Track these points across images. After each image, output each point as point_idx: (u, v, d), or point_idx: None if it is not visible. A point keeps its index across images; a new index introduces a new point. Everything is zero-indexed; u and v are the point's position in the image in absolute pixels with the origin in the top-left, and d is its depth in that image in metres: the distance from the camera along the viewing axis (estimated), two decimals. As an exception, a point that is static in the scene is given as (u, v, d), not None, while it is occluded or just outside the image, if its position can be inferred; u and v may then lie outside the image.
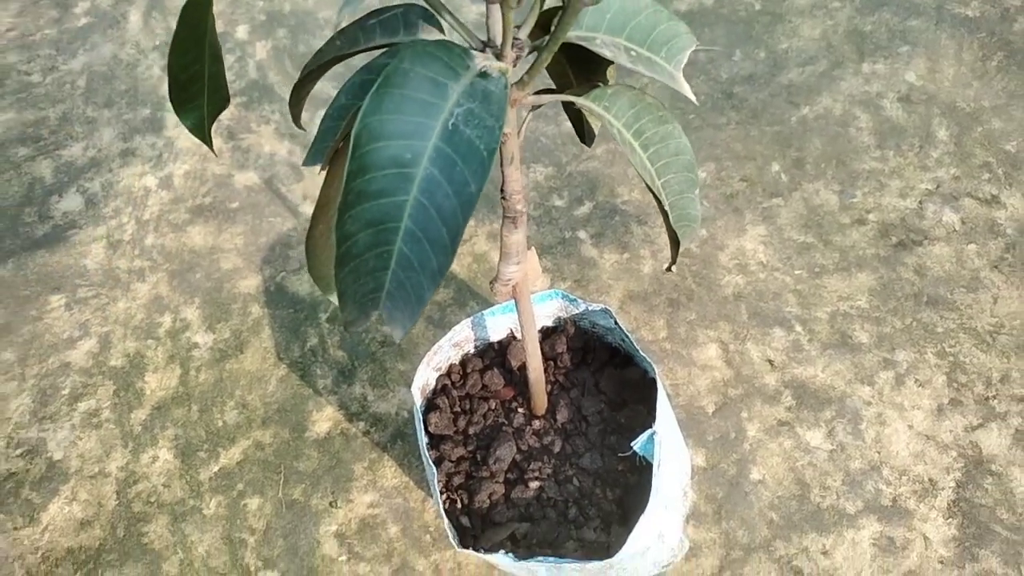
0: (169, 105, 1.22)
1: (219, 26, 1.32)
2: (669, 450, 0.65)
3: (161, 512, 0.86)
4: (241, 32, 1.30)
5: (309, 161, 0.45)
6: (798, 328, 0.94)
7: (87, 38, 1.33)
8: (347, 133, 0.43)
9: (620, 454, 0.67)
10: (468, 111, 0.40)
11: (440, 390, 0.72)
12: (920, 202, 1.04)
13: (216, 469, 0.88)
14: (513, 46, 0.44)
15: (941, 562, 0.78)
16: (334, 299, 0.46)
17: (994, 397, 0.88)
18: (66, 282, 1.04)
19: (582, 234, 1.03)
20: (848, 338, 0.93)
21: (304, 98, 0.52)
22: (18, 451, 0.91)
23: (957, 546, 0.79)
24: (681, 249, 0.55)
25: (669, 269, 0.56)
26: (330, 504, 0.84)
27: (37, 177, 1.16)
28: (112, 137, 1.19)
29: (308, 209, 1.09)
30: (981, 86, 1.15)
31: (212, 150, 0.52)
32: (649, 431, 0.62)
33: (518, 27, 0.44)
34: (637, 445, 0.62)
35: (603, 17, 0.46)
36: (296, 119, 0.53)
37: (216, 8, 1.34)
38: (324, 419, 0.91)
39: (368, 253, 0.41)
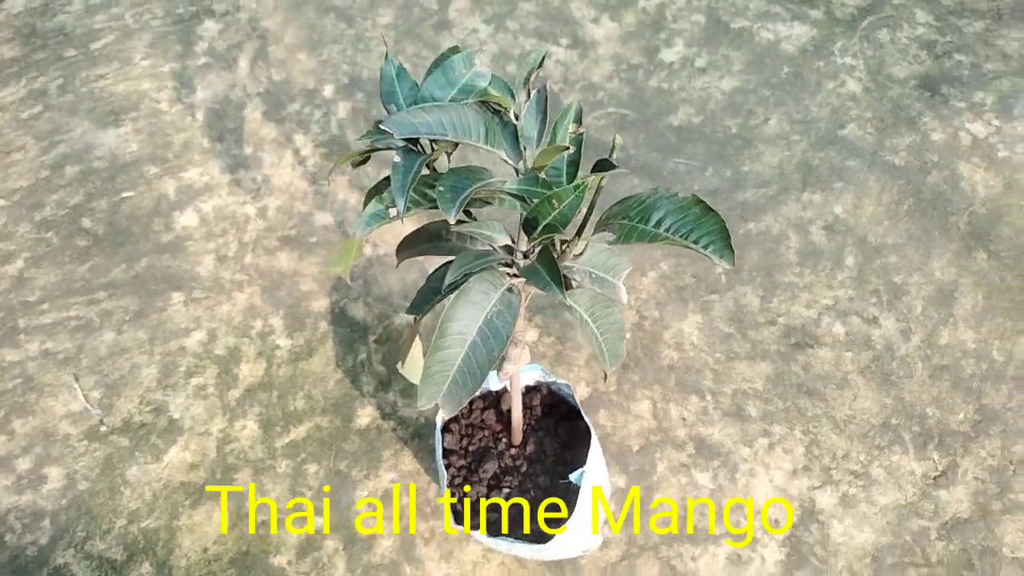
0: (268, 146, 1.57)
1: (310, 83, 1.66)
2: (595, 479, 1.03)
3: (247, 465, 1.24)
4: (328, 91, 1.65)
5: (413, 310, 0.81)
6: (708, 397, 1.31)
7: (204, 76, 1.68)
8: (434, 304, 0.79)
9: (562, 480, 1.05)
10: (498, 311, 0.77)
11: (453, 419, 1.10)
12: (819, 314, 1.40)
13: (287, 441, 1.26)
14: (525, 257, 0.80)
15: (770, 574, 1.17)
16: (418, 391, 0.81)
17: (834, 468, 1.25)
18: (184, 284, 1.41)
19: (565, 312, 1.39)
20: (742, 410, 1.30)
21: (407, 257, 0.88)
22: (148, 408, 1.29)
23: (782, 567, 1.17)
24: (610, 372, 0.92)
25: (605, 379, 0.93)
26: (364, 476, 1.22)
27: (163, 193, 1.52)
28: (222, 167, 1.55)
29: (368, 250, 1.45)
30: (890, 225, 1.50)
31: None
32: (580, 469, 1.00)
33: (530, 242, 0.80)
34: (573, 477, 1.00)
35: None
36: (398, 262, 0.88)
37: (308, 65, 1.69)
38: (365, 415, 1.29)
39: (438, 375, 0.78)
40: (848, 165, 1.57)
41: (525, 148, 0.76)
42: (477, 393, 1.11)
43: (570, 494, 1.04)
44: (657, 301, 1.40)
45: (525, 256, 0.77)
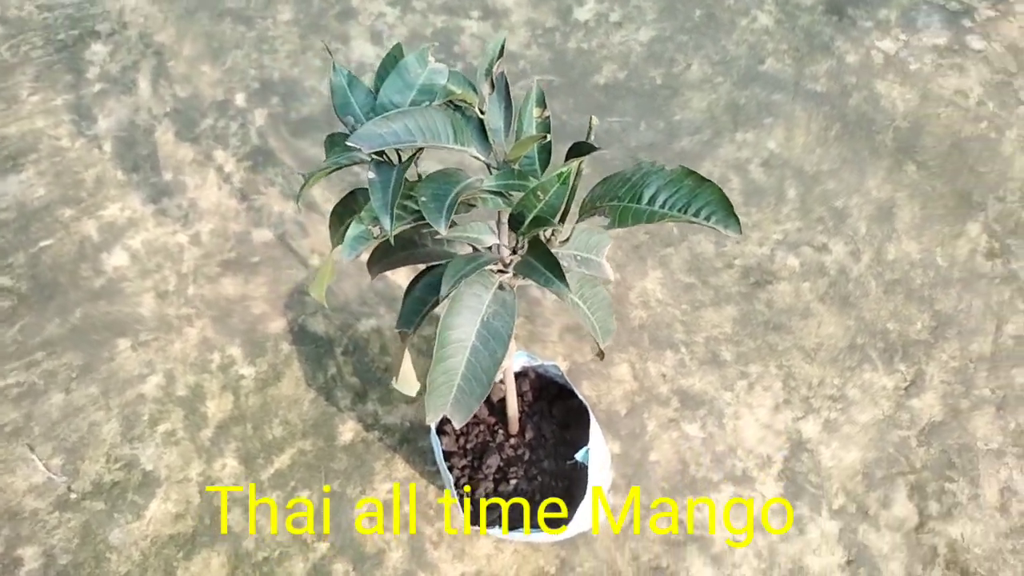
0: (188, 168, 1.49)
1: (219, 94, 1.57)
2: (597, 454, 1.03)
3: (235, 504, 1.19)
4: (240, 100, 1.57)
5: (402, 325, 0.78)
6: (683, 350, 1.33)
7: (103, 104, 1.57)
8: (423, 315, 0.77)
9: (568, 461, 1.04)
10: (494, 312, 0.75)
11: (445, 420, 1.08)
12: (772, 250, 1.43)
13: (272, 471, 1.22)
14: (513, 252, 0.78)
15: (771, 510, 1.20)
16: (425, 405, 0.78)
17: (813, 397, 1.29)
18: (128, 328, 1.33)
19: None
20: (717, 356, 1.32)
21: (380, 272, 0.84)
22: (117, 465, 1.22)
23: (782, 498, 1.21)
24: (604, 346, 0.91)
25: (602, 357, 0.92)
26: (360, 492, 1.19)
27: (85, 236, 1.42)
28: (143, 198, 1.46)
29: (316, 261, 1.40)
30: (822, 152, 1.53)
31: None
32: (585, 447, 1.00)
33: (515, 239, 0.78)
34: (579, 456, 1.00)
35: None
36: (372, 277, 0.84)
37: (213, 76, 1.60)
38: (348, 430, 1.25)
39: (443, 387, 0.76)
40: (774, 99, 1.59)
41: (494, 141, 0.74)
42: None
43: (576, 472, 1.04)
44: (616, 263, 1.41)
45: (513, 252, 0.75)
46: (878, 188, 1.49)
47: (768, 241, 1.43)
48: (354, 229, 0.68)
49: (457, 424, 0.77)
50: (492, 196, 0.70)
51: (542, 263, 0.68)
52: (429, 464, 1.22)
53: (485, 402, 1.10)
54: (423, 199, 0.65)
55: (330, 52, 0.75)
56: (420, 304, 0.77)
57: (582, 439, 1.07)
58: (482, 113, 0.72)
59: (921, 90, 1.59)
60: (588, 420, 1.06)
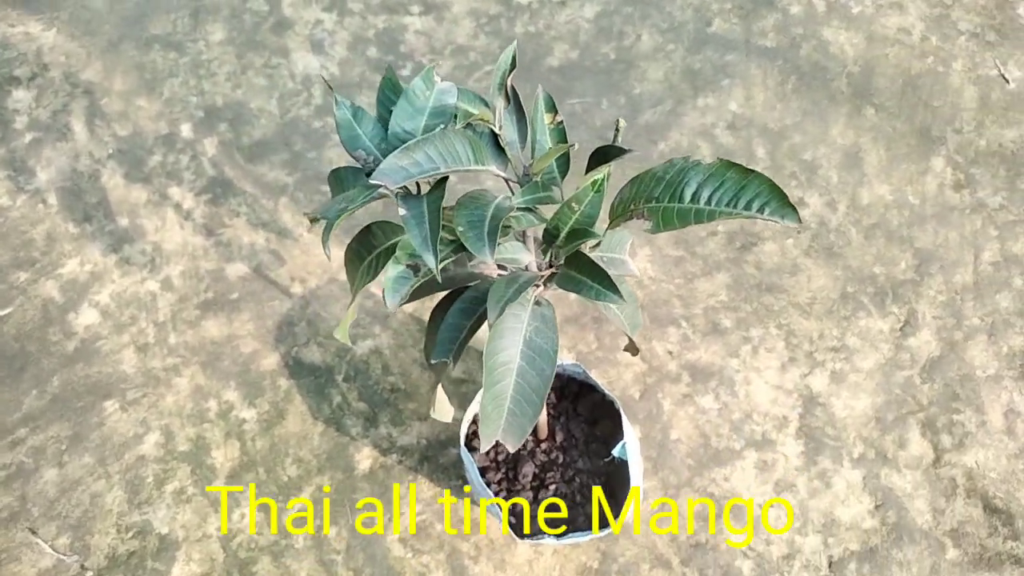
0: (144, 210, 1.41)
1: (162, 128, 1.49)
2: (632, 446, 1.02)
3: (263, 554, 1.15)
4: (185, 131, 1.49)
5: (439, 356, 0.75)
6: (684, 324, 1.33)
7: (39, 154, 1.47)
8: (462, 343, 0.74)
9: (604, 459, 1.03)
10: (536, 328, 0.73)
11: (474, 435, 1.05)
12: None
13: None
14: (549, 266, 0.76)
15: (796, 469, 1.22)
16: (480, 434, 0.76)
17: (816, 351, 1.31)
18: (113, 388, 1.26)
19: (521, 277, 1.36)
20: (718, 325, 1.33)
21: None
22: (130, 534, 1.16)
23: (803, 455, 1.23)
24: (634, 336, 0.90)
25: (636, 353, 0.91)
26: (388, 519, 1.17)
27: (47, 298, 1.33)
28: (103, 249, 1.38)
29: (298, 289, 1.35)
30: (783, 107, 1.55)
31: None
32: (621, 441, 0.99)
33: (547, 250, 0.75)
34: (616, 452, 0.99)
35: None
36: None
37: (152, 109, 1.51)
38: (365, 458, 1.22)
39: (494, 413, 0.73)
40: (727, 60, 1.60)
41: (511, 156, 0.71)
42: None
43: (613, 467, 1.04)
44: (603, 247, 1.39)
45: (549, 266, 0.72)
46: (842, 135, 1.51)
47: (747, 203, 1.44)
48: (393, 270, 0.65)
49: (511, 448, 0.75)
50: (524, 214, 0.67)
51: (588, 275, 0.66)
52: (454, 479, 1.20)
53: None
54: (460, 229, 0.62)
55: (330, 86, 0.71)
56: (455, 332, 0.75)
57: (612, 432, 1.06)
58: (499, 128, 0.69)
59: (866, 32, 1.62)
60: (615, 413, 1.05)
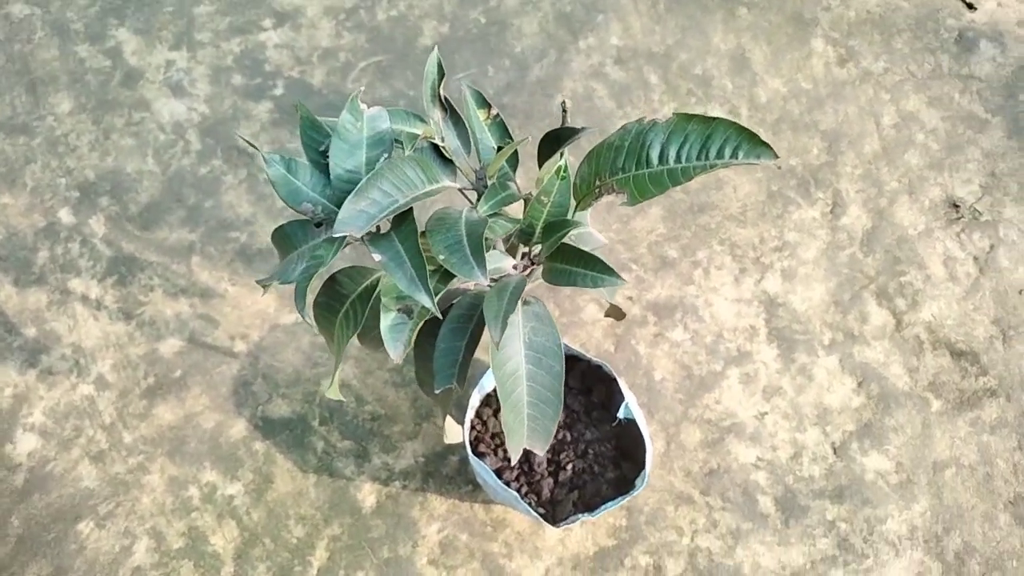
0: (49, 313, 1.30)
1: (38, 221, 1.37)
2: (632, 402, 1.02)
3: (297, 623, 1.11)
4: (65, 216, 1.37)
5: (443, 383, 0.72)
6: (634, 266, 1.33)
7: (-91, 286, 1.32)
8: (464, 364, 0.71)
9: (612, 424, 1.03)
10: (533, 328, 0.71)
11: (478, 440, 1.03)
12: (663, 138, 1.44)
13: (315, 572, 1.13)
14: (534, 263, 0.73)
15: (777, 372, 1.26)
16: (508, 448, 0.73)
17: (761, 256, 1.34)
18: (81, 509, 1.17)
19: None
20: (666, 258, 1.34)
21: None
22: (152, 650, 1.09)
23: (780, 357, 1.27)
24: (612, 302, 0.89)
25: (621, 317, 0.90)
26: (413, 546, 1.14)
27: (-27, 437, 1.22)
28: (17, 367, 1.26)
29: (241, 346, 1.28)
30: (661, 28, 1.55)
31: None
32: (623, 403, 0.99)
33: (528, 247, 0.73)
34: (621, 414, 0.99)
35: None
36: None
37: (19, 204, 1.38)
38: (368, 494, 1.18)
39: (515, 423, 0.72)
40: (594, -5, 1.58)
41: (458, 164, 0.68)
42: (478, 399, 1.05)
43: (622, 428, 1.04)
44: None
45: (532, 263, 0.70)
46: (723, 41, 1.53)
47: (656, 132, 1.44)
48: (385, 319, 0.61)
49: (540, 452, 0.74)
50: (494, 220, 0.64)
51: (579, 265, 0.64)
52: (462, 486, 1.18)
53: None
54: (442, 257, 0.59)
55: (252, 144, 0.65)
56: (452, 355, 0.72)
57: (609, 396, 1.06)
58: (442, 140, 0.65)
59: (716, -65, 1.63)
60: (604, 377, 1.05)
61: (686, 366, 1.26)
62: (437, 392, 0.72)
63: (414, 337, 0.61)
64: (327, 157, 0.66)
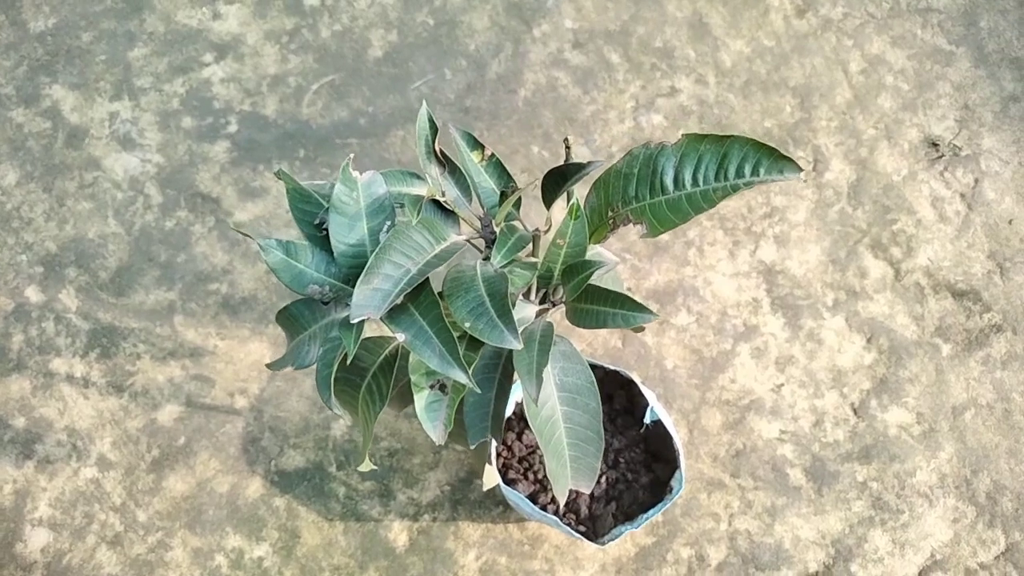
0: (36, 399, 1.24)
1: (4, 304, 1.30)
2: (655, 403, 1.01)
3: (350, 676, 1.09)
4: (33, 295, 1.31)
5: (477, 438, 0.69)
6: (628, 256, 1.31)
7: None
8: (498, 415, 0.68)
9: (639, 430, 1.02)
10: (562, 368, 0.68)
11: (504, 468, 1.01)
12: (634, 118, 1.41)
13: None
14: (553, 306, 0.70)
15: (786, 341, 1.25)
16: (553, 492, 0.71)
17: (752, 225, 1.33)
18: (107, 597, 1.13)
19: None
20: (658, 243, 1.32)
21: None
22: None
23: (787, 326, 1.26)
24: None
25: (641, 330, 0.88)
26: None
27: (-20, 541, 1.17)
28: (13, 463, 1.21)
29: (242, 402, 1.24)
30: (615, 5, 1.51)
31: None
32: (648, 406, 0.98)
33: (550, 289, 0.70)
34: (648, 419, 0.98)
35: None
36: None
37: (-17, 287, 1.31)
38: (399, 533, 1.16)
39: (559, 467, 0.69)
40: (540, -21, 1.53)
41: (461, 215, 0.64)
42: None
43: (649, 432, 1.02)
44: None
45: (553, 305, 0.67)
46: (679, 9, 1.49)
47: (626, 113, 1.41)
48: (420, 400, 0.58)
49: (586, 490, 0.72)
50: (514, 271, 0.61)
51: (607, 305, 0.61)
52: (492, 508, 1.16)
53: (519, 426, 1.04)
54: (467, 325, 0.56)
55: (244, 234, 0.61)
56: (482, 408, 0.69)
57: (631, 401, 1.04)
58: (443, 196, 0.61)
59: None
60: (623, 381, 1.03)
61: (696, 350, 1.25)
62: (472, 447, 0.69)
63: (453, 414, 0.58)
64: (323, 229, 0.62)
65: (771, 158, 0.56)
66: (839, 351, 1.24)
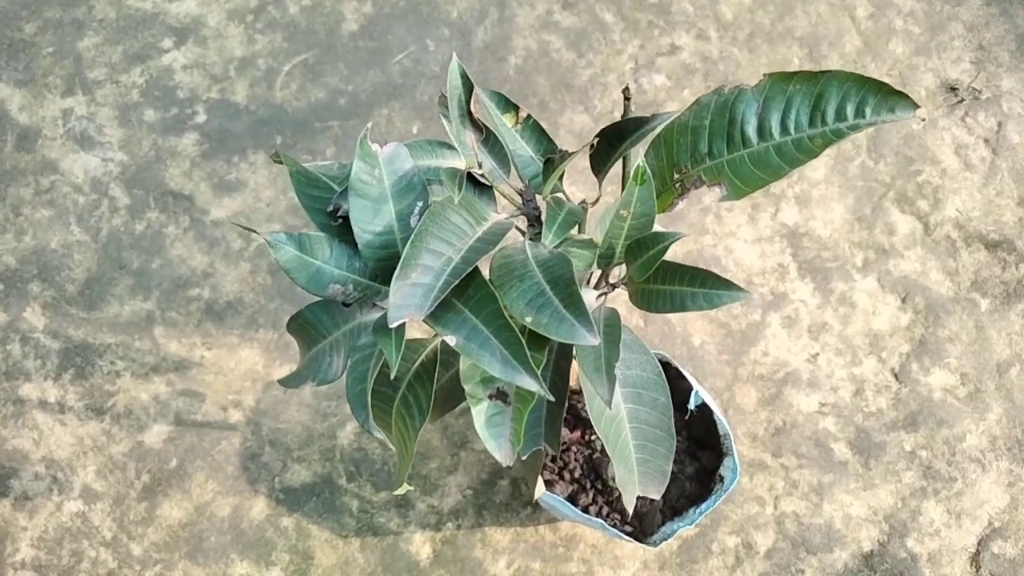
0: (8, 429, 1.13)
1: (-37, 325, 1.18)
2: (703, 389, 0.92)
3: None
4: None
5: (527, 448, 0.60)
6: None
7: None
8: (556, 422, 0.59)
9: (685, 417, 0.93)
10: (624, 360, 0.59)
11: (543, 468, 0.92)
12: (636, 81, 1.32)
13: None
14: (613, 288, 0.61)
15: (818, 307, 1.17)
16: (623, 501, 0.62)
17: (771, 188, 1.24)
18: (105, 642, 1.03)
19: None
20: (671, 213, 1.23)
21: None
22: None
23: (817, 291, 1.18)
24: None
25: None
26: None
27: (-43, 593, 1.05)
28: (-14, 501, 1.09)
29: (236, 415, 1.13)
30: (600, -40, 1.40)
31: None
32: (693, 391, 0.89)
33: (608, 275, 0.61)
34: (692, 405, 0.89)
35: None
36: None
37: (-64, 311, 1.19)
38: (420, 544, 1.06)
39: (626, 473, 0.60)
40: (522, -62, 1.42)
41: (498, 189, 0.54)
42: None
43: (693, 419, 0.94)
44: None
45: (613, 288, 0.58)
46: (672, -39, 1.39)
47: (625, 76, 1.32)
48: (478, 414, 0.48)
49: (656, 496, 0.63)
50: (573, 250, 0.52)
51: (687, 283, 0.52)
52: (521, 510, 1.07)
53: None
54: (528, 319, 0.47)
55: (245, 228, 0.51)
56: (536, 410, 0.59)
57: (676, 389, 0.96)
58: (480, 168, 0.52)
59: None
60: (663, 365, 0.94)
61: (723, 323, 1.16)
62: (524, 458, 0.60)
63: (522, 430, 0.49)
64: (338, 217, 0.52)
65: (879, 94, 0.47)
66: (874, 314, 1.17)
